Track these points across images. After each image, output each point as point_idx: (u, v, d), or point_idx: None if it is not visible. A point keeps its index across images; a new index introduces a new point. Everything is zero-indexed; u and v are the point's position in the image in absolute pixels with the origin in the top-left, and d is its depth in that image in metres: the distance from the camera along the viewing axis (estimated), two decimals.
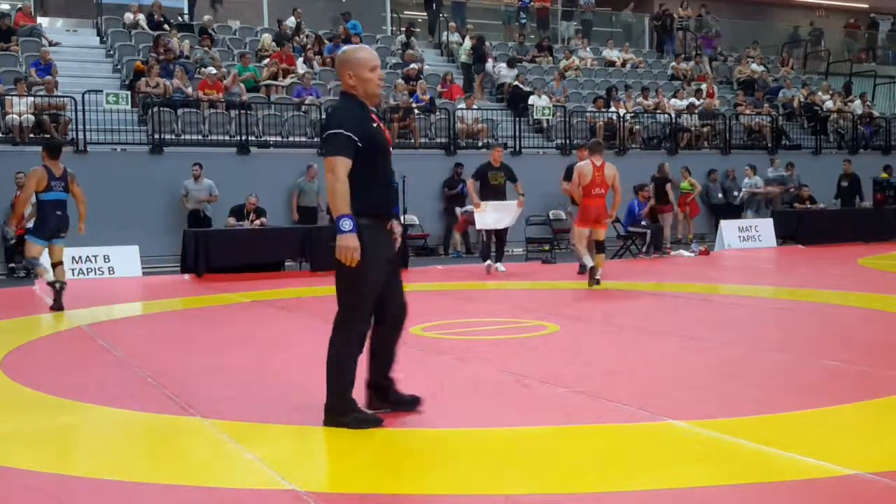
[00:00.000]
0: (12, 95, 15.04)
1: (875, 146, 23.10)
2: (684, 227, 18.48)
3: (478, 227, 12.88)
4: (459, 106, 18.62)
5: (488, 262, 12.97)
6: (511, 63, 20.95)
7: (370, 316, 4.54)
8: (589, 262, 11.28)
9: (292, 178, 15.88)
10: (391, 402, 4.75)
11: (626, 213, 16.18)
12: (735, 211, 19.25)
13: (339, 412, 4.50)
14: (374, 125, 4.47)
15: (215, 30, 19.54)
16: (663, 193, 17.13)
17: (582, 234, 11.46)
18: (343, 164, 4.30)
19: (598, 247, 11.29)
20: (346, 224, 4.26)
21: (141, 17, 19.06)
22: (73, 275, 13.18)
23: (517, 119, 18.94)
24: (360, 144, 4.33)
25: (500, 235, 13.00)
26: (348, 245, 4.27)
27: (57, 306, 9.75)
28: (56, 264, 10.08)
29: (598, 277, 11.11)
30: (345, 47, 4.65)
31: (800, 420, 4.62)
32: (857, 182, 19.80)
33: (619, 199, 11.40)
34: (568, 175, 12.86)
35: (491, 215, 12.64)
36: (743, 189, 19.32)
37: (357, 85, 4.46)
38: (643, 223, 15.87)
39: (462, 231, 16.93)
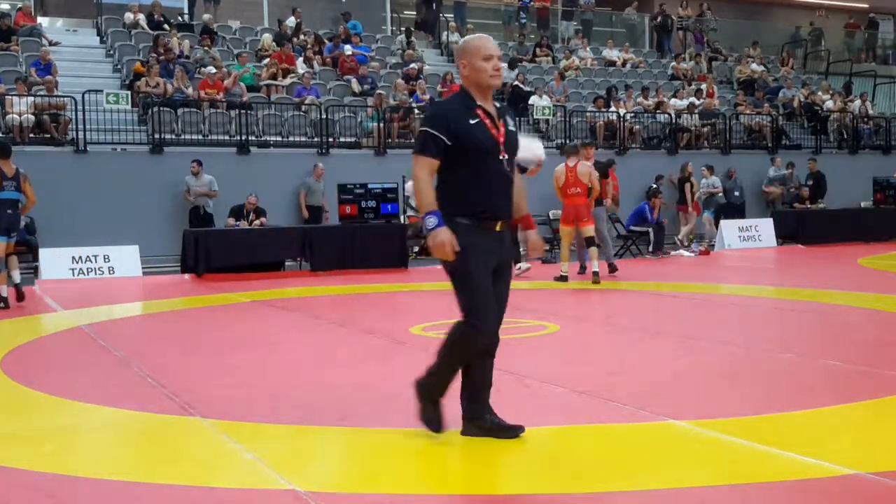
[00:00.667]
0: (12, 95, 15.04)
1: (875, 146, 23.10)
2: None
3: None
4: None
5: None
6: (512, 64, 20.94)
7: (492, 314, 4.24)
8: (565, 270, 11.66)
9: (292, 177, 15.87)
10: (485, 427, 4.29)
11: (632, 214, 16.23)
12: (739, 211, 19.19)
13: (425, 402, 4.30)
14: (475, 122, 4.15)
15: (215, 29, 19.53)
16: (683, 192, 17.38)
17: (565, 232, 11.80)
18: (423, 164, 4.10)
19: (587, 242, 11.63)
20: (431, 221, 4.03)
21: (141, 17, 19.06)
22: (74, 275, 13.21)
23: (517, 119, 18.89)
24: (449, 143, 4.09)
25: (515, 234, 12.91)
26: (439, 241, 4.02)
27: (4, 305, 9.77)
28: (8, 255, 10.02)
29: (595, 270, 11.48)
30: (463, 39, 4.38)
31: (800, 420, 4.61)
32: (823, 181, 19.75)
33: (596, 193, 12.07)
34: None
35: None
36: (700, 189, 18.75)
37: (470, 74, 4.19)
38: (647, 221, 15.94)
39: None
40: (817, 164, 20.10)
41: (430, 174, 4.11)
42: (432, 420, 4.29)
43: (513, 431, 4.27)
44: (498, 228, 4.22)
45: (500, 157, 4.20)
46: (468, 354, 4.22)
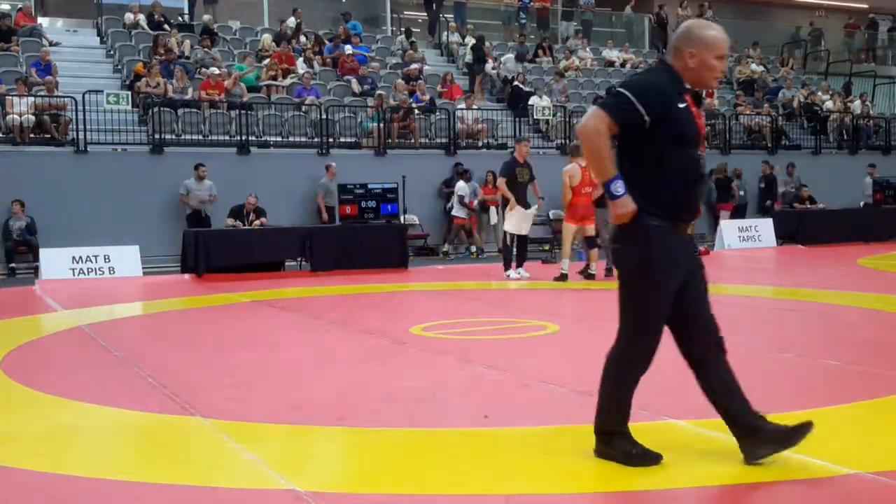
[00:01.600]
0: (13, 95, 15.03)
1: (874, 146, 23.10)
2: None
3: (506, 227, 12.08)
4: (459, 106, 18.63)
5: (509, 272, 12.14)
6: (519, 57, 21.01)
7: (660, 332, 3.80)
8: (565, 268, 11.65)
9: (292, 178, 15.87)
10: (769, 439, 3.74)
11: None
12: (742, 211, 19.18)
13: (606, 440, 3.86)
14: (683, 105, 3.65)
15: (215, 30, 19.54)
16: (727, 191, 17.40)
17: (571, 229, 11.73)
18: (605, 120, 3.57)
19: (588, 242, 11.76)
20: (619, 186, 3.57)
21: (141, 17, 19.06)
22: (74, 275, 13.21)
23: (517, 119, 18.95)
24: (647, 119, 3.56)
25: (522, 241, 12.37)
26: (630, 209, 3.59)
27: None
28: None
29: (591, 272, 11.61)
30: (691, 21, 3.87)
31: (800, 420, 4.61)
32: (774, 185, 19.72)
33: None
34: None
35: (519, 219, 12.00)
36: None
37: (696, 68, 3.65)
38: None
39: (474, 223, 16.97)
40: (769, 166, 20.11)
41: (608, 133, 3.59)
42: (638, 455, 3.81)
43: (801, 431, 3.75)
44: (689, 231, 3.79)
45: (700, 150, 3.77)
46: (632, 371, 3.88)
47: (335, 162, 16.17)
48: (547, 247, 16.61)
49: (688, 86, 3.70)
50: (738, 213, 19.06)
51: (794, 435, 3.74)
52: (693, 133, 3.68)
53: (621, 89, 3.64)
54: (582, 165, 11.55)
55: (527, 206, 12.12)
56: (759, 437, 3.73)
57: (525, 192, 12.07)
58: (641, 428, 4.50)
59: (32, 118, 14.96)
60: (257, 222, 14.26)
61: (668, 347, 6.65)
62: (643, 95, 3.58)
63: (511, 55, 21.17)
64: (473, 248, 16.71)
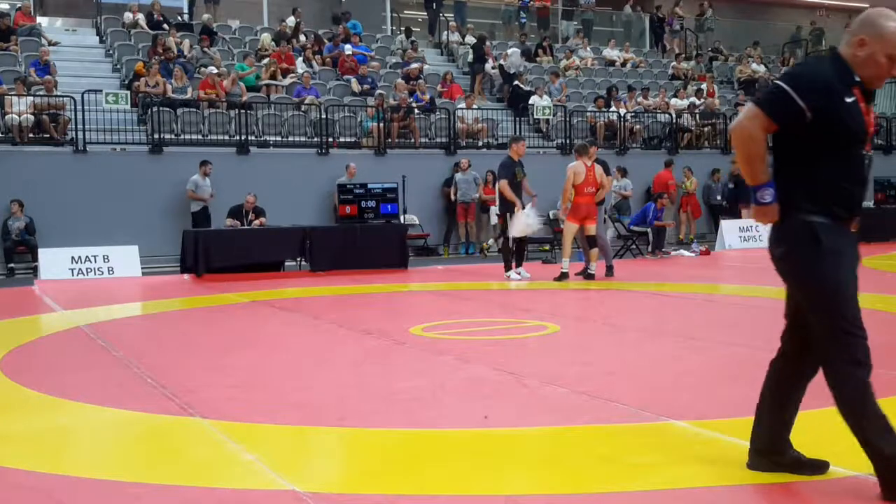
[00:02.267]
0: (12, 95, 15.02)
1: (875, 146, 23.10)
2: (686, 227, 18.51)
3: (513, 233, 11.79)
4: (459, 105, 18.63)
5: (509, 272, 12.04)
6: (524, 53, 21.02)
7: (860, 321, 3.54)
8: (566, 267, 11.64)
9: (292, 177, 15.86)
10: (784, 463, 3.66)
11: (638, 214, 16.24)
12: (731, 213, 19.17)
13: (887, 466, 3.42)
14: (851, 100, 3.34)
15: (215, 29, 19.53)
16: (745, 191, 17.52)
17: (572, 229, 11.68)
18: (761, 120, 3.32)
19: (589, 242, 11.67)
20: (768, 194, 3.35)
21: (140, 17, 19.06)
22: (73, 275, 13.20)
23: (517, 119, 18.94)
24: (808, 114, 3.27)
25: (521, 241, 12.28)
26: (767, 216, 3.41)
27: None
28: None
29: (591, 272, 11.57)
30: (877, 8, 3.47)
31: (800, 420, 4.60)
32: (744, 185, 19.67)
33: (605, 193, 12.12)
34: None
35: (526, 220, 11.84)
36: (613, 192, 17.21)
37: (866, 58, 3.34)
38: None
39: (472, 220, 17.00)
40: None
41: (763, 134, 3.36)
42: None
43: (817, 468, 3.65)
44: (853, 228, 3.50)
45: (866, 149, 3.51)
46: (864, 377, 3.62)
47: (335, 162, 16.19)
48: (547, 247, 16.60)
49: (857, 78, 3.38)
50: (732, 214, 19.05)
51: (807, 467, 3.66)
52: (861, 130, 3.41)
53: (779, 82, 3.39)
54: (588, 164, 11.50)
55: (522, 205, 12.09)
56: (774, 460, 3.66)
57: (521, 190, 12.05)
58: (642, 429, 4.50)
59: (31, 118, 14.95)
60: (257, 222, 14.26)
61: (669, 348, 6.62)
62: (803, 88, 3.30)
63: (517, 49, 21.14)
64: (485, 244, 16.87)
